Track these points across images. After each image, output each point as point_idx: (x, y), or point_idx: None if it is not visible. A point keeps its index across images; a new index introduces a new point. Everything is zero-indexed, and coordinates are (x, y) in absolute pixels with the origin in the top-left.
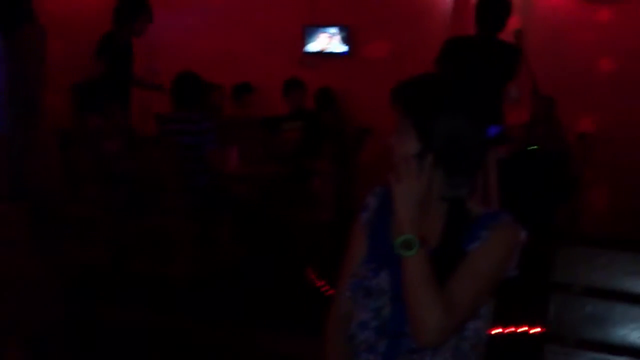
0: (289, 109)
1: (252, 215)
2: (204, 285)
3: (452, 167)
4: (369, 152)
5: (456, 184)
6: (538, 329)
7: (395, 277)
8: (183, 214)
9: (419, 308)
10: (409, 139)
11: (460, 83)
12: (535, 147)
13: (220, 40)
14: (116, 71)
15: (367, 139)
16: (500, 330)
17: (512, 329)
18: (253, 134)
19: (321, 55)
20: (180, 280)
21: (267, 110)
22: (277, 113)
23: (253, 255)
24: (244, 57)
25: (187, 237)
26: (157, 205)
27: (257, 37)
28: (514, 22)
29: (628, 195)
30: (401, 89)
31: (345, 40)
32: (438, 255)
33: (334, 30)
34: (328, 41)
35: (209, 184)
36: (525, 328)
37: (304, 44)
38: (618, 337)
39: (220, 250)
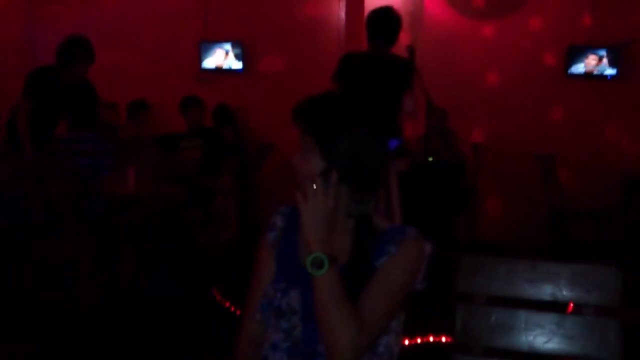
0: (187, 126)
1: (153, 238)
2: (108, 312)
3: (357, 183)
4: (271, 167)
5: (362, 200)
6: (446, 339)
7: (305, 296)
8: (80, 239)
9: (332, 327)
10: (312, 158)
11: (358, 99)
12: (432, 158)
13: (112, 57)
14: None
15: (269, 154)
16: (410, 342)
17: (421, 340)
18: (151, 154)
19: (218, 71)
20: (81, 308)
21: (165, 128)
22: (175, 131)
23: (157, 278)
24: (138, 74)
25: (85, 263)
26: (53, 230)
27: (152, 53)
28: (405, 38)
29: (519, 203)
30: (301, 108)
31: (241, 56)
32: (347, 271)
33: (229, 46)
34: (224, 57)
35: (106, 207)
36: (434, 339)
37: (200, 61)
38: (524, 343)
39: (122, 275)
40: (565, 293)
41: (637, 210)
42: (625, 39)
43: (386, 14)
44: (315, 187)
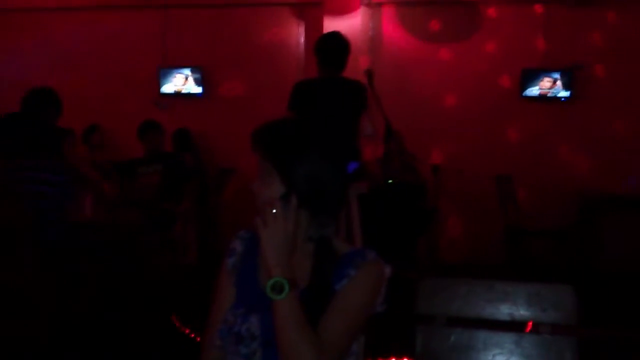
0: (145, 151)
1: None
2: (67, 344)
3: (317, 207)
4: (232, 192)
5: (321, 224)
6: None
7: (265, 321)
8: (36, 269)
9: (292, 351)
10: (272, 183)
11: (316, 124)
12: (392, 181)
13: (70, 83)
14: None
15: (229, 179)
16: None
17: None
18: (108, 178)
19: (177, 96)
20: (39, 341)
21: (123, 153)
22: (133, 156)
23: (115, 305)
24: (96, 100)
25: (42, 293)
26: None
27: (110, 79)
28: (363, 62)
29: (478, 223)
30: (260, 134)
31: (201, 80)
32: (308, 295)
33: (188, 71)
34: (183, 82)
35: (63, 235)
36: None
37: (159, 85)
38: None
39: (81, 304)
40: (522, 312)
41: (592, 228)
42: (578, 62)
43: (334, 40)
44: (274, 212)
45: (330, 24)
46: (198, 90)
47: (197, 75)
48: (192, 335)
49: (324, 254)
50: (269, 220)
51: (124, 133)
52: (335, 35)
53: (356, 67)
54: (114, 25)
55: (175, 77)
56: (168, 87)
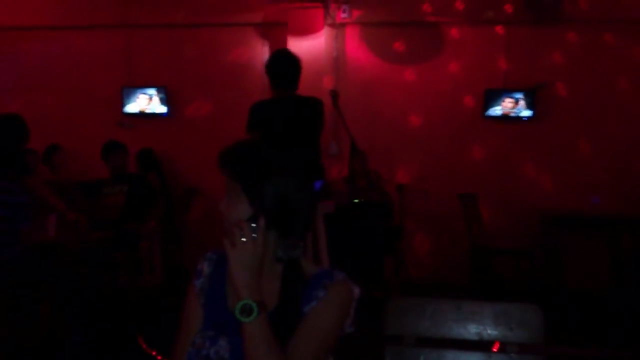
0: (110, 172)
1: (76, 286)
2: None
3: (285, 228)
4: (197, 212)
5: (290, 245)
6: None
7: (234, 344)
8: None
9: None
10: (239, 204)
11: (280, 144)
12: (358, 200)
13: (33, 103)
14: None
15: (194, 199)
16: None
17: None
18: (72, 198)
19: (141, 116)
20: None
21: (87, 174)
22: (98, 177)
23: (80, 326)
24: (59, 120)
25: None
26: None
27: (73, 99)
28: (328, 83)
29: (443, 241)
30: (227, 155)
31: (165, 100)
32: (276, 317)
33: (153, 91)
34: (147, 102)
35: (23, 256)
36: None
37: (122, 105)
38: None
39: (41, 326)
40: (490, 332)
41: (555, 246)
42: (540, 81)
43: (284, 59)
44: (242, 233)
45: (294, 44)
46: (163, 110)
47: (162, 95)
48: (159, 358)
49: (292, 275)
50: (237, 242)
51: (87, 153)
52: (285, 54)
53: (320, 87)
54: (77, 45)
55: (139, 96)
56: (132, 107)
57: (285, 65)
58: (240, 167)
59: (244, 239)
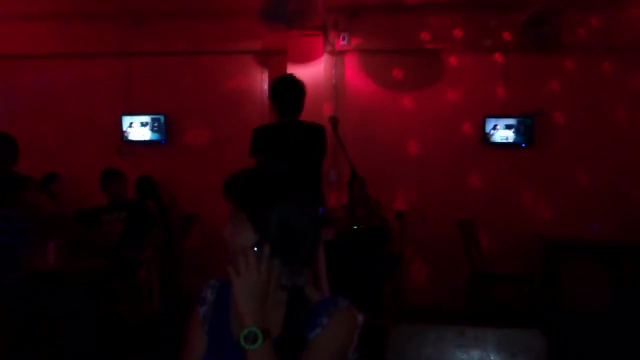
0: (108, 199)
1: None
2: None
3: (290, 255)
4: (196, 238)
5: (294, 272)
6: None
7: None
8: None
9: None
10: (244, 231)
11: (285, 172)
12: (357, 227)
13: (31, 130)
14: None
15: (193, 225)
16: None
17: None
18: (70, 226)
19: (140, 143)
20: None
21: (85, 201)
22: (96, 204)
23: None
24: (58, 147)
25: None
26: None
27: (72, 126)
28: (327, 110)
29: (442, 268)
30: (232, 183)
31: (164, 128)
32: (280, 344)
33: (151, 118)
34: (147, 129)
35: (22, 284)
36: None
37: (122, 133)
38: None
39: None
40: (493, 358)
41: (554, 273)
42: (538, 109)
43: (288, 84)
44: (247, 261)
45: (294, 72)
46: (161, 137)
47: (161, 123)
48: None
49: (297, 303)
50: (242, 270)
51: (86, 180)
52: (290, 79)
53: (320, 113)
54: (77, 72)
55: (138, 124)
56: (131, 135)
57: (290, 90)
58: (245, 195)
59: (248, 267)
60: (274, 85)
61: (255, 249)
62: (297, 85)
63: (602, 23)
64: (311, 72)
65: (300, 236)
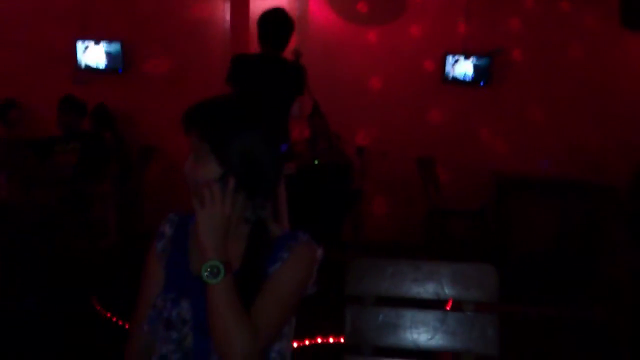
0: (62, 129)
1: (25, 246)
2: None
3: (254, 188)
4: (155, 171)
5: (258, 206)
6: (335, 340)
7: (197, 306)
8: None
9: (227, 335)
10: (208, 164)
11: (253, 103)
12: (318, 161)
13: None
14: None
15: (152, 158)
16: (299, 344)
17: (310, 342)
18: (23, 157)
19: (96, 71)
20: None
21: (39, 130)
22: (50, 134)
23: (31, 288)
24: (10, 73)
25: None
26: None
27: (24, 51)
28: (290, 42)
29: (402, 204)
30: (195, 113)
31: (122, 56)
32: (241, 277)
33: (108, 45)
34: (103, 57)
35: None
36: (322, 340)
37: (76, 60)
38: (410, 341)
39: None
40: (447, 291)
41: (506, 208)
42: (496, 47)
43: (279, 17)
44: (212, 194)
45: (257, 2)
46: (119, 65)
47: (118, 50)
48: (114, 320)
49: (260, 236)
50: (207, 202)
51: (40, 109)
52: (280, 13)
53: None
54: None
55: (94, 51)
56: (87, 61)
57: (280, 24)
58: (209, 126)
59: (213, 200)
60: (266, 16)
61: (220, 182)
62: (287, 21)
63: None
64: (274, 4)
65: (264, 169)
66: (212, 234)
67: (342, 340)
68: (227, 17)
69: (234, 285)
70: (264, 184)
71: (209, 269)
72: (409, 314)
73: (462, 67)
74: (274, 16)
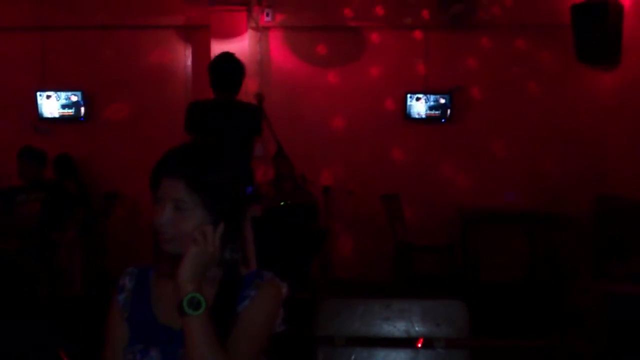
0: (24, 180)
1: None
2: None
3: (236, 231)
4: (117, 217)
5: (234, 248)
6: None
7: (166, 353)
8: None
9: None
10: (195, 213)
11: (227, 147)
12: (284, 202)
13: None
14: None
15: (114, 204)
16: None
17: None
18: None
19: (58, 120)
20: None
21: (1, 181)
22: (12, 184)
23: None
24: None
25: None
26: None
27: None
28: (253, 86)
29: (368, 241)
30: (181, 168)
31: (82, 104)
32: (213, 317)
33: (69, 94)
34: (64, 106)
35: None
36: None
37: (37, 110)
38: None
39: None
40: (417, 329)
41: (472, 242)
42: (456, 85)
43: (229, 62)
44: (206, 234)
45: (218, 47)
46: (80, 114)
47: (79, 99)
48: None
49: (233, 277)
50: (199, 242)
51: (2, 158)
52: (229, 57)
53: (245, 90)
54: None
55: (55, 101)
56: (47, 112)
57: (230, 68)
58: (199, 179)
59: (206, 240)
60: (216, 62)
61: (213, 227)
62: (237, 65)
63: (514, 2)
64: (235, 48)
65: (242, 212)
66: (197, 270)
67: None
68: (189, 62)
69: (210, 320)
70: (239, 226)
71: (189, 301)
72: (381, 353)
73: (423, 105)
74: (224, 61)
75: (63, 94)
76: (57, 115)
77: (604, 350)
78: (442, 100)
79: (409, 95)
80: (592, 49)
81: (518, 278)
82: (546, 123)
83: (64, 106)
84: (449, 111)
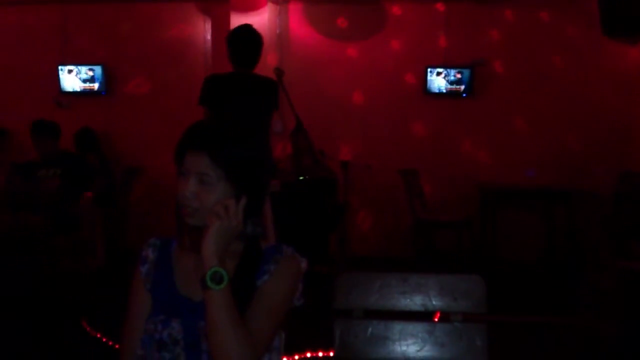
0: (39, 155)
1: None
2: None
3: (257, 206)
4: (139, 191)
5: (256, 222)
6: (324, 354)
7: (187, 325)
8: None
9: (225, 341)
10: (218, 187)
11: (247, 122)
12: (303, 177)
13: None
14: None
15: (136, 178)
16: (290, 359)
17: (300, 357)
18: (9, 181)
19: (79, 94)
20: None
21: (24, 155)
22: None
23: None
24: None
25: None
26: None
27: (8, 77)
28: (272, 60)
29: (387, 217)
30: (204, 142)
31: (103, 78)
32: (233, 291)
33: (89, 68)
34: (85, 80)
35: None
36: (312, 354)
37: (59, 84)
38: (399, 353)
39: None
40: (435, 303)
41: (492, 218)
42: (478, 58)
43: (246, 33)
44: (228, 208)
45: (237, 21)
46: (101, 88)
47: (100, 73)
48: (104, 340)
49: (254, 251)
50: (222, 216)
51: (25, 134)
52: (248, 30)
53: (264, 64)
54: (11, 21)
55: (76, 75)
56: (69, 85)
57: (249, 41)
58: (224, 154)
59: (228, 214)
60: (234, 34)
61: (236, 200)
62: (256, 37)
63: None
64: (255, 21)
65: (265, 186)
66: (220, 244)
67: (331, 354)
68: (208, 36)
69: (231, 294)
70: (262, 200)
71: (212, 275)
72: (397, 326)
73: (443, 80)
74: (242, 34)
75: (84, 68)
76: (78, 89)
77: (623, 328)
78: (463, 74)
79: (429, 70)
80: (618, 22)
81: (537, 255)
82: (569, 98)
83: (84, 80)
84: (470, 85)
